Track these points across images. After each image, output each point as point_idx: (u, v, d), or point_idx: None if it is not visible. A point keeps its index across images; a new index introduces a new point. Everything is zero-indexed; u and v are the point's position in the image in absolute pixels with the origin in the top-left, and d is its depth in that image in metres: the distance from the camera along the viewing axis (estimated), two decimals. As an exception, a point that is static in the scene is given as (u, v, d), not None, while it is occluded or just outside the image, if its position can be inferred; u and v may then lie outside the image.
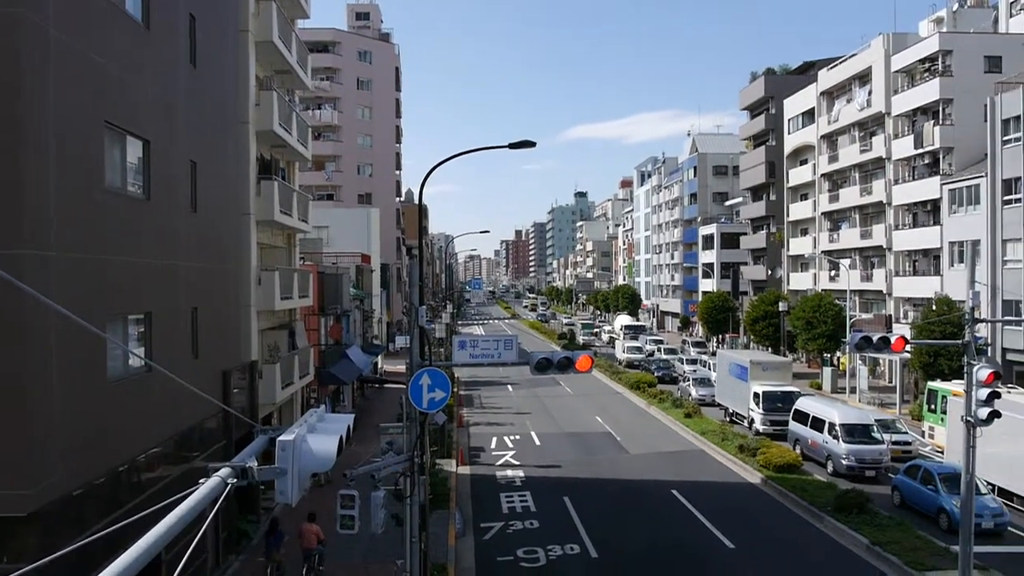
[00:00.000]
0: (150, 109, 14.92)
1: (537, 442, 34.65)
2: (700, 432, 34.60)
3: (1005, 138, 40.21)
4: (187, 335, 16.79)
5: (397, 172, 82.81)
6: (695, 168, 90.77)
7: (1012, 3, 55.05)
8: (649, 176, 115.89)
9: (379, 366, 51.60)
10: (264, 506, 23.10)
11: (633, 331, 77.49)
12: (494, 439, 35.07)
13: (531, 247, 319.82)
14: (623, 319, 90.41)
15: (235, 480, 5.14)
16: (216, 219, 19.25)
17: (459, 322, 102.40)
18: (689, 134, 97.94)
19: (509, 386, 51.94)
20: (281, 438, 5.73)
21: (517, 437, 35.57)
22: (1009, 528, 22.13)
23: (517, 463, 30.60)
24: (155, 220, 15.13)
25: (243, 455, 5.53)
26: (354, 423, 8.27)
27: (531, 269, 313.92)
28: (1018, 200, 39.19)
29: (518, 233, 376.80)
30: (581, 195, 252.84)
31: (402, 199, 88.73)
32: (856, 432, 28.59)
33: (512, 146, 18.91)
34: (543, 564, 19.84)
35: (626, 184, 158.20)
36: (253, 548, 20.69)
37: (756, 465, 28.37)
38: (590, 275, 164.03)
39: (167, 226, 15.76)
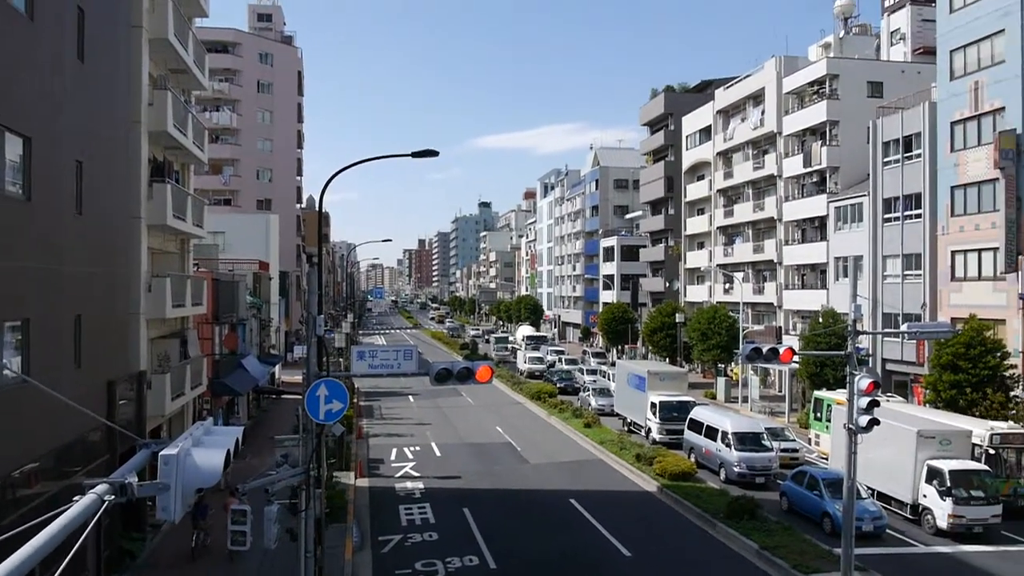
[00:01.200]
0: (32, 105, 14.18)
1: (438, 453, 34.45)
2: (599, 442, 35.09)
3: (886, 159, 42.47)
4: (69, 343, 15.98)
5: (298, 178, 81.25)
6: (597, 181, 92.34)
7: (892, 32, 58.36)
8: (552, 188, 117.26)
9: (276, 376, 50.34)
10: (152, 523, 22.13)
11: (535, 342, 78.09)
12: (394, 450, 34.68)
13: (434, 256, 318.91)
14: (525, 330, 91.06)
15: (113, 497, 4.88)
16: (104, 222, 18.42)
17: (360, 332, 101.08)
18: (592, 147, 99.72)
19: (410, 397, 51.52)
20: (164, 452, 5.48)
21: (417, 448, 35.28)
22: (887, 530, 23.23)
23: (417, 475, 30.34)
24: (36, 222, 14.36)
25: (122, 470, 5.28)
26: (250, 435, 7.98)
27: (434, 279, 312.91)
28: (897, 218, 41.42)
29: (421, 242, 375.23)
30: (485, 205, 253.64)
31: (303, 206, 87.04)
32: (747, 440, 29.54)
33: (415, 155, 18.81)
34: (442, 576, 19.70)
35: (530, 195, 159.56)
36: (138, 567, 19.81)
37: (652, 474, 28.94)
38: (493, 285, 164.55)
39: (49, 229, 14.98)
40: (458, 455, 34.05)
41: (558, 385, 52.93)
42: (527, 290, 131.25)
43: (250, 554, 19.27)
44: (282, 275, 62.42)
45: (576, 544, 22.33)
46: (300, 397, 12.81)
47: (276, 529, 12.52)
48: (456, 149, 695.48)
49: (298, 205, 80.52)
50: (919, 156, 39.94)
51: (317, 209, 22.54)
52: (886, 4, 59.53)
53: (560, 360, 64.88)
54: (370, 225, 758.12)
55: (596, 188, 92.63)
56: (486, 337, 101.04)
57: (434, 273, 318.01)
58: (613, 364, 54.43)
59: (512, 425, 41.20)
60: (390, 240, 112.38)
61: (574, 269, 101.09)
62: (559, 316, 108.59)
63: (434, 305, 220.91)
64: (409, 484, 28.87)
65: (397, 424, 41.69)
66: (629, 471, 30.59)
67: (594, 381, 50.75)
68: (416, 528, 23.51)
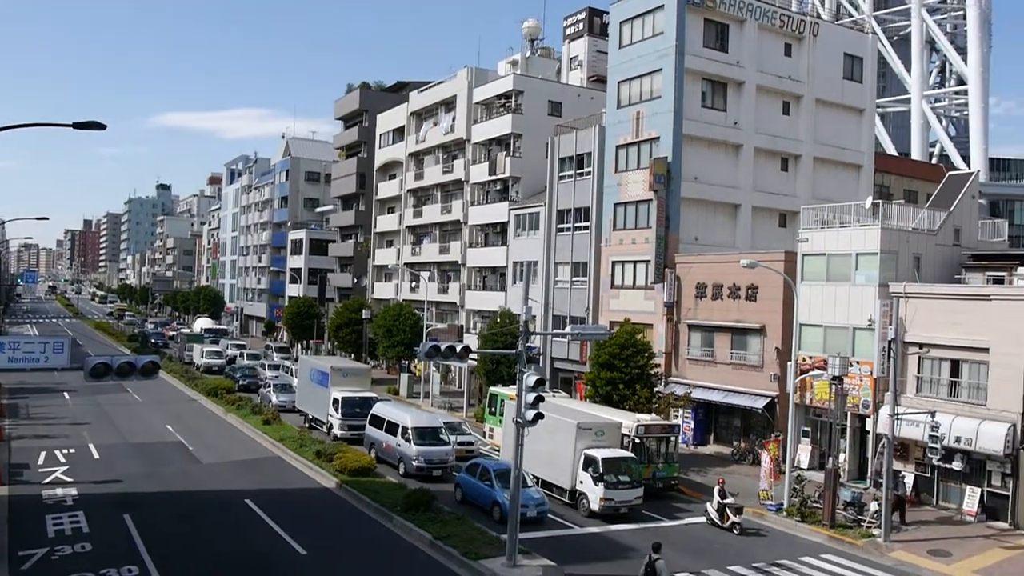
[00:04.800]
0: None
1: (96, 455, 31.37)
2: (278, 439, 34.16)
3: (561, 174, 46.08)
4: None
5: (-69, 139, 69.68)
6: (288, 172, 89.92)
7: (572, 59, 63.53)
8: (240, 175, 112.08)
9: None
10: None
11: (214, 335, 74.18)
12: (43, 454, 30.98)
13: (103, 239, 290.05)
14: (203, 322, 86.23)
15: None
16: None
17: (7, 320, 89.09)
18: (284, 136, 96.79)
19: (65, 393, 46.34)
20: None
21: (72, 450, 31.84)
22: (549, 515, 25.16)
23: (70, 480, 27.34)
24: None
25: None
26: None
27: (102, 264, 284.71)
28: (569, 229, 45.10)
29: (88, 223, 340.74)
30: (164, 187, 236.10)
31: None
32: (426, 435, 30.44)
33: (77, 126, 16.92)
34: (94, 590, 17.98)
35: (215, 180, 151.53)
36: None
37: (332, 470, 28.76)
38: (169, 274, 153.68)
39: None
40: (120, 457, 31.28)
41: (240, 381, 50.69)
42: (208, 280, 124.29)
43: None
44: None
45: (249, 546, 21.53)
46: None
47: None
48: (135, 124, 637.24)
49: (-71, 171, 68.95)
50: (589, 174, 43.84)
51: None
52: (567, 32, 64.67)
53: (242, 355, 62.16)
54: (28, 199, 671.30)
55: (286, 179, 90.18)
56: (159, 329, 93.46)
57: (101, 258, 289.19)
58: (297, 359, 53.31)
59: (184, 423, 38.73)
60: (47, 218, 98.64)
61: (260, 260, 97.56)
62: (242, 309, 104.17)
63: (100, 293, 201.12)
64: (60, 491, 25.91)
65: (48, 424, 37.30)
66: (308, 468, 30.12)
67: (276, 377, 49.36)
68: (66, 539, 21.19)
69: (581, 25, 63.12)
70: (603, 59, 52.13)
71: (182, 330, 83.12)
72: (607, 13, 48.56)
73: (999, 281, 29.80)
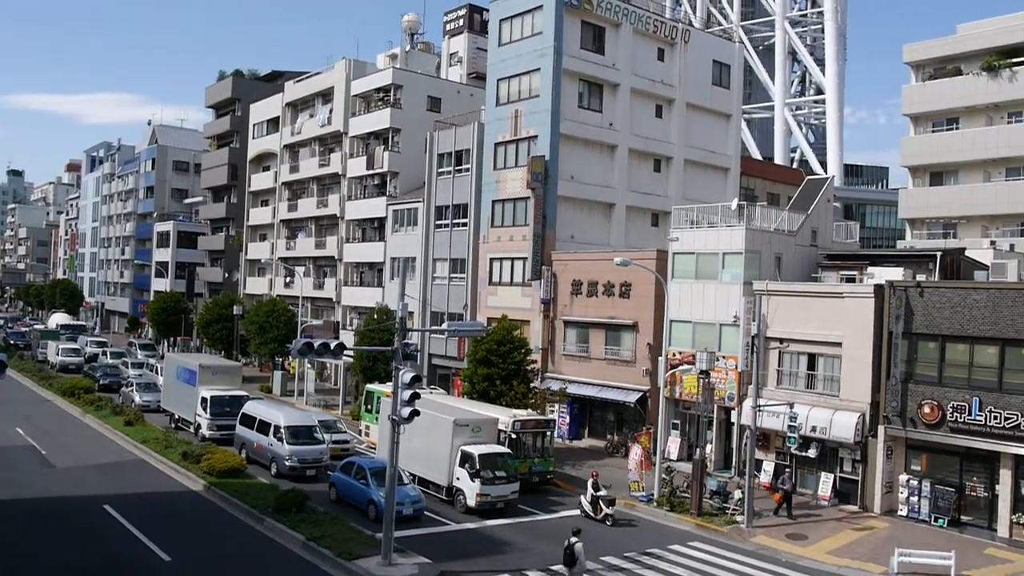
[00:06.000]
0: None
1: (-65, 461, 29.11)
2: (141, 441, 32.61)
3: (439, 170, 45.94)
4: None
5: None
6: (154, 160, 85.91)
7: (452, 55, 63.51)
8: (101, 162, 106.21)
9: None
10: None
11: (71, 331, 70.09)
12: None
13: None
14: (59, 317, 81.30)
15: None
16: None
17: None
18: (150, 123, 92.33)
19: (-100, 395, 42.80)
20: None
21: (-94, 457, 29.43)
22: (426, 512, 25.04)
23: (-97, 489, 25.29)
24: None
25: None
26: None
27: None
28: (447, 225, 45.03)
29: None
30: (16, 174, 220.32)
31: None
32: (300, 434, 29.72)
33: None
34: (-70, 608, 16.65)
35: (73, 168, 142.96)
36: None
37: (200, 472, 27.67)
38: (22, 266, 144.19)
39: None
40: (-37, 463, 29.13)
41: (102, 381, 48.10)
42: (65, 273, 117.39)
43: None
44: None
45: (109, 554, 20.45)
46: None
47: None
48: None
49: None
50: (468, 170, 43.89)
51: None
52: (447, 28, 64.61)
53: (104, 353, 58.97)
54: None
55: (152, 168, 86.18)
56: (14, 326, 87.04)
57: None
58: (163, 357, 51.04)
59: (37, 425, 36.42)
60: None
61: (123, 253, 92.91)
62: (103, 304, 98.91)
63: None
64: None
65: None
66: (174, 470, 28.89)
67: (140, 375, 47.12)
68: (-102, 554, 19.55)
69: (461, 21, 63.21)
70: (483, 56, 52.28)
71: (35, 326, 78.08)
72: (487, 10, 48.66)
73: (851, 280, 31.69)
